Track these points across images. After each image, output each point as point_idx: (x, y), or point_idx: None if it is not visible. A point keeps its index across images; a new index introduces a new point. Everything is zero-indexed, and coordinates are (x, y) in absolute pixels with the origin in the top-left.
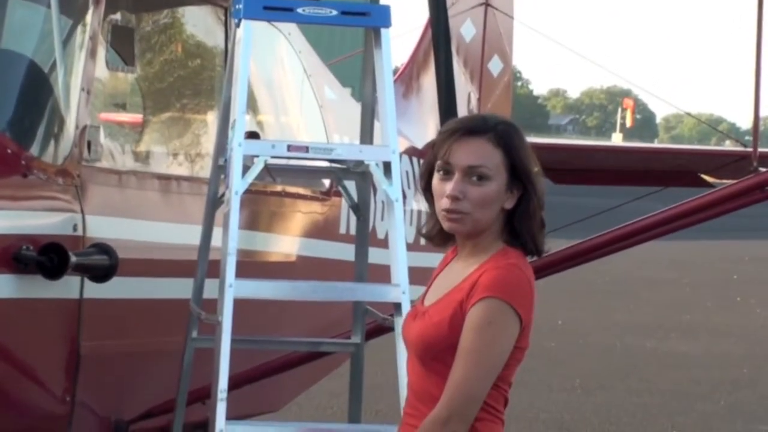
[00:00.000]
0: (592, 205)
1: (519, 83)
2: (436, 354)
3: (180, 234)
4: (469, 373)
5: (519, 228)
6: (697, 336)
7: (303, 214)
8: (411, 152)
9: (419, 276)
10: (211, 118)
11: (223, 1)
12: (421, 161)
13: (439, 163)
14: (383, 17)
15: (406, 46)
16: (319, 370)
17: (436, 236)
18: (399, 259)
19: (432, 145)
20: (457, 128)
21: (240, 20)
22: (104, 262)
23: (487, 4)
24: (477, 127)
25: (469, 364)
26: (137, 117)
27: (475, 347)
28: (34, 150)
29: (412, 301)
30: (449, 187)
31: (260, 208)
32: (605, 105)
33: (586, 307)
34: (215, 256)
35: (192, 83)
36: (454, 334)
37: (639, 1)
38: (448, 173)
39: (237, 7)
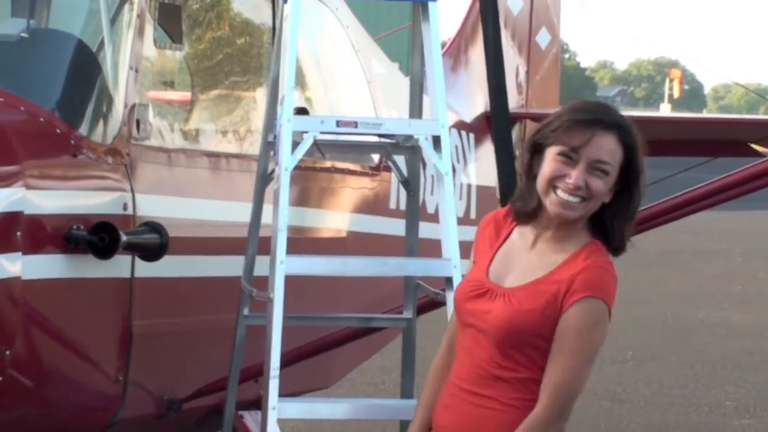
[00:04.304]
0: None
1: (566, 55)
2: (518, 340)
3: (230, 211)
4: (575, 372)
5: (611, 224)
6: (749, 306)
7: (353, 189)
8: (459, 126)
9: (470, 250)
10: (260, 94)
11: None
12: (470, 135)
13: (564, 148)
14: None
15: (454, 20)
16: (370, 345)
17: (529, 214)
18: (449, 233)
19: (555, 128)
20: (596, 120)
21: None
22: (155, 241)
23: None
24: (614, 124)
25: (577, 363)
26: (185, 95)
27: (581, 347)
28: (83, 129)
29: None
30: (574, 175)
31: (310, 185)
32: (653, 76)
33: (637, 279)
34: (266, 233)
35: (240, 60)
36: (544, 326)
37: None
38: (571, 159)
39: None
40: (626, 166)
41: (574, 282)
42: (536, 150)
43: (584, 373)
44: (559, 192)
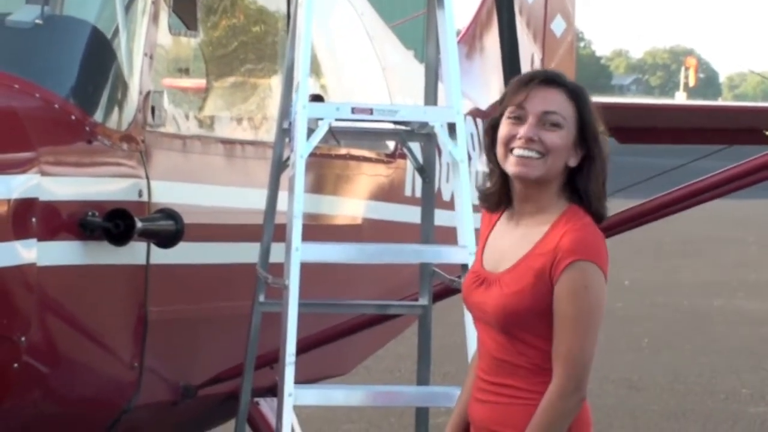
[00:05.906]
0: (656, 165)
1: (581, 44)
2: (519, 323)
3: (245, 198)
4: (580, 341)
5: (583, 189)
6: (764, 294)
7: (368, 176)
8: (475, 113)
9: None
10: (275, 81)
11: None
12: (485, 122)
13: (511, 109)
14: None
15: (469, 7)
16: (386, 333)
17: (495, 194)
18: (465, 220)
19: (501, 100)
20: (533, 77)
21: None
22: (170, 228)
23: None
24: (553, 78)
25: (579, 331)
26: (200, 82)
27: (579, 314)
28: (98, 116)
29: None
30: (523, 130)
31: (325, 172)
32: (668, 64)
33: (653, 267)
34: (281, 220)
35: (255, 47)
36: (538, 301)
37: None
38: (519, 119)
39: None
40: (581, 125)
41: (558, 250)
42: (495, 131)
43: (589, 339)
44: (515, 151)
